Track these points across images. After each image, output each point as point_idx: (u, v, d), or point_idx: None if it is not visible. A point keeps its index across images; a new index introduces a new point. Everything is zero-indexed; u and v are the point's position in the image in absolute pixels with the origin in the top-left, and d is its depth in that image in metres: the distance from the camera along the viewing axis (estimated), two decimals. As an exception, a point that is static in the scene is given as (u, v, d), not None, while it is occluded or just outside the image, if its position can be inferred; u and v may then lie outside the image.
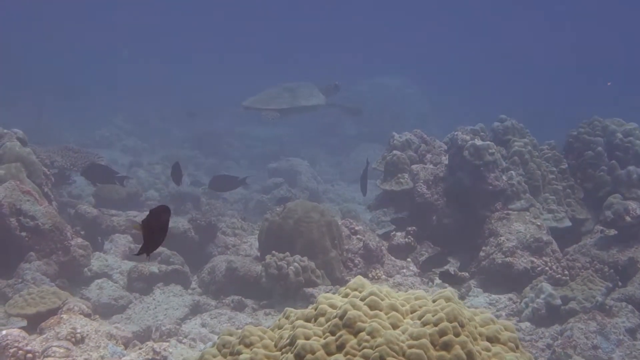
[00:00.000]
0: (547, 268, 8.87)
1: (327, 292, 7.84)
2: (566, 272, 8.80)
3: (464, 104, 31.36)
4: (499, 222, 9.60)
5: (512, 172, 10.07)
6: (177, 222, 9.95)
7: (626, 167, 10.30)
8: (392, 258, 9.34)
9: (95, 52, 41.04)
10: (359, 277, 3.65)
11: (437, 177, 10.32)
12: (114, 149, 22.38)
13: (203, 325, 7.69)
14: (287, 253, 8.26)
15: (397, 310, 3.39)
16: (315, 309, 3.49)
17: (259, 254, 9.26)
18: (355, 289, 3.54)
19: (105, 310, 7.81)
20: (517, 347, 3.45)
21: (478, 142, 9.91)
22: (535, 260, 9.00)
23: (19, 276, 7.63)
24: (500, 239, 9.27)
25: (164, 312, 7.92)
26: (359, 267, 8.94)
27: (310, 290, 8.04)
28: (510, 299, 8.59)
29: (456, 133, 10.29)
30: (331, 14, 57.37)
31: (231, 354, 3.46)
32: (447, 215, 10.09)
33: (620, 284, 8.60)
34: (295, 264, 8.11)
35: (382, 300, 3.41)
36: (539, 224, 9.61)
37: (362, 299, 3.40)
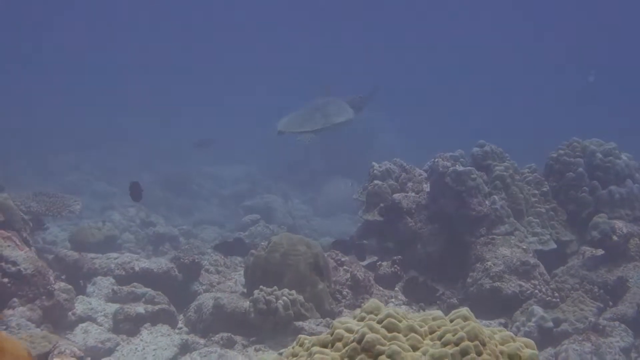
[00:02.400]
0: (536, 291, 8.81)
1: (318, 325, 7.76)
2: (556, 294, 8.75)
3: (435, 133, 31.46)
4: (484, 247, 9.57)
5: (495, 196, 10.05)
6: (160, 262, 9.82)
7: (607, 187, 10.31)
8: (380, 288, 9.26)
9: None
10: (374, 300, 3.55)
11: (419, 205, 10.27)
12: (83, 195, 22.18)
13: (193, 364, 7.55)
14: (275, 287, 8.14)
15: (415, 331, 3.29)
16: (332, 334, 3.38)
17: (244, 290, 9.13)
18: (371, 312, 3.44)
19: (92, 354, 7.63)
20: (539, 364, 3.36)
21: (459, 168, 9.88)
22: (523, 283, 8.95)
23: (2, 323, 7.46)
24: (487, 264, 9.22)
25: (152, 353, 7.75)
26: (347, 298, 8.84)
27: (300, 323, 7.92)
28: (500, 323, 8.51)
29: (436, 160, 10.27)
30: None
31: (247, 385, 3.36)
32: (432, 243, 10.03)
33: (611, 303, 8.57)
34: (284, 297, 7.98)
35: (400, 322, 3.32)
36: (524, 247, 9.58)
37: (379, 322, 3.30)
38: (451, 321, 3.38)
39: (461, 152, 10.84)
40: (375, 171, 10.88)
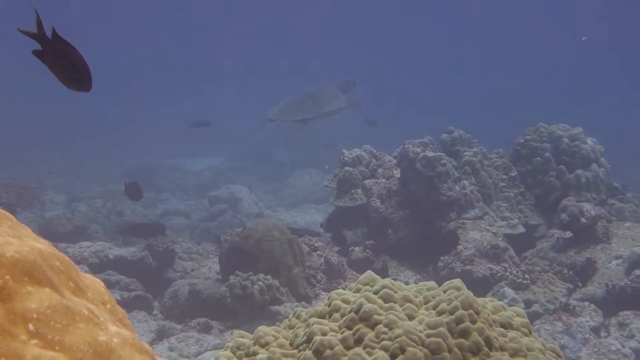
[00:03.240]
0: (507, 273, 8.93)
1: (294, 309, 7.85)
2: (527, 276, 8.87)
3: (396, 122, 31.52)
4: (455, 231, 9.68)
5: (465, 181, 10.17)
6: (133, 250, 9.85)
7: (574, 171, 10.47)
8: (353, 272, 9.34)
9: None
10: (369, 271, 3.63)
11: (390, 191, 10.36)
12: (47, 187, 22.06)
13: (171, 349, 7.58)
14: (251, 272, 8.21)
15: (411, 301, 3.38)
16: (329, 306, 3.46)
17: (219, 277, 9.19)
18: (367, 284, 3.52)
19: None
20: (530, 332, 3.47)
21: (430, 153, 9.99)
22: (494, 266, 9.08)
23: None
24: (457, 248, 9.33)
25: (130, 339, 7.80)
26: (321, 282, 8.93)
27: (276, 308, 7.99)
28: (472, 306, 8.62)
29: (406, 146, 10.36)
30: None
31: (247, 355, 3.42)
32: (403, 228, 10.12)
33: (580, 284, 8.72)
34: (260, 282, 8.06)
35: (396, 292, 3.40)
36: (494, 231, 9.71)
37: (375, 293, 3.38)
38: (444, 292, 3.48)
39: (430, 139, 10.94)
40: (345, 158, 10.94)
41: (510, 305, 7.66)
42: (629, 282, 8.15)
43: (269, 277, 8.21)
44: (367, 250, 9.71)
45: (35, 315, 1.07)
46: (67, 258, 1.29)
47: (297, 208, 21.03)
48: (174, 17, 56.50)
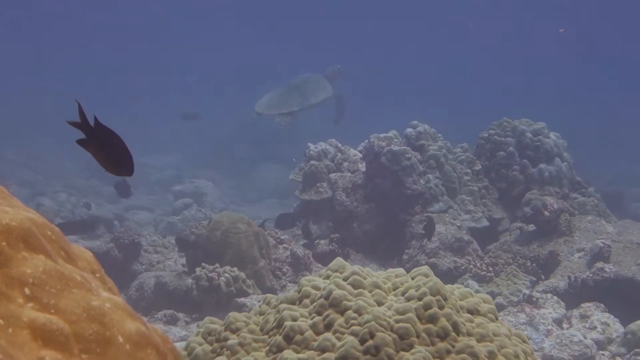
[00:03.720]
0: (470, 266, 9.03)
1: (259, 301, 7.88)
2: (490, 269, 8.97)
3: (359, 117, 31.59)
4: (419, 224, 9.74)
5: (429, 175, 10.24)
6: (98, 244, 9.84)
7: (537, 165, 10.58)
8: (319, 265, 9.38)
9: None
10: (338, 258, 3.67)
11: (355, 185, 10.41)
12: (9, 181, 21.88)
13: (137, 341, 7.59)
14: (217, 265, 8.22)
15: (380, 288, 3.43)
16: (299, 292, 3.50)
17: (185, 269, 9.19)
18: (336, 270, 3.56)
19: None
20: (497, 318, 3.54)
21: (395, 147, 10.05)
22: (458, 259, 9.18)
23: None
24: (422, 241, 9.41)
25: (97, 331, 7.79)
26: (287, 275, 8.96)
27: (242, 300, 8.02)
28: (437, 298, 8.70)
29: (372, 140, 10.41)
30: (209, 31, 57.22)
31: (217, 340, 3.46)
32: (368, 221, 10.17)
33: (543, 277, 8.84)
34: (226, 274, 8.07)
35: (365, 279, 3.45)
36: (458, 224, 9.80)
37: (344, 279, 3.42)
38: (413, 278, 3.53)
39: (395, 133, 10.98)
40: (311, 152, 10.97)
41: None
42: (591, 275, 8.27)
43: (235, 269, 8.23)
44: (333, 243, 9.75)
45: (31, 280, 1.10)
46: (57, 228, 1.33)
47: (261, 203, 21.07)
48: (138, 9, 56.09)
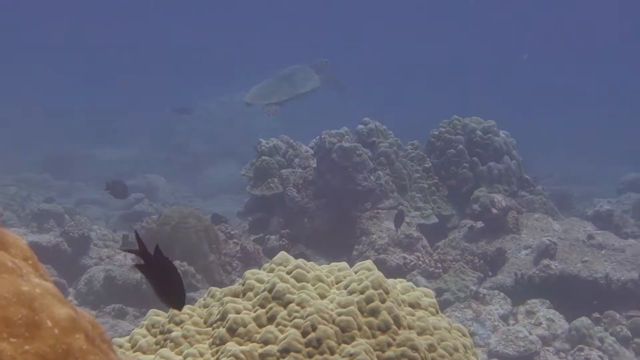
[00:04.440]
0: (419, 262, 9.11)
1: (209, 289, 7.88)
2: (439, 265, 9.06)
3: (313, 114, 31.60)
4: (369, 221, 9.81)
5: (380, 172, 10.30)
6: (48, 236, 9.78)
7: (487, 163, 10.70)
8: (269, 260, 9.37)
9: None
10: (283, 252, 3.70)
11: (306, 181, 10.44)
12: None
13: (85, 335, 7.56)
14: (167, 259, 8.21)
15: (323, 281, 3.46)
16: (243, 285, 3.53)
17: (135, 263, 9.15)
18: (280, 264, 3.59)
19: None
20: (437, 312, 3.59)
21: (346, 144, 10.09)
22: (407, 255, 9.24)
23: None
24: (372, 237, 9.47)
25: (44, 325, 7.74)
26: (237, 270, 8.98)
27: (191, 294, 8.00)
28: (386, 294, 8.75)
29: (323, 136, 10.44)
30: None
31: (161, 332, 3.47)
32: (319, 217, 10.21)
33: (490, 273, 8.94)
34: (176, 269, 8.07)
35: (308, 272, 3.48)
36: (408, 221, 9.84)
37: (288, 272, 3.46)
38: (356, 272, 3.57)
39: (346, 130, 11.02)
40: (262, 147, 10.98)
41: (423, 294, 7.85)
42: (537, 272, 8.39)
43: (184, 263, 8.24)
44: (283, 239, 9.79)
45: (-41, 264, 1.13)
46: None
47: (214, 198, 21.04)
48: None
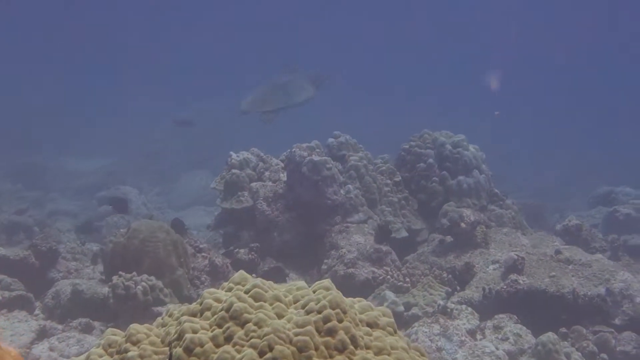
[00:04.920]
0: (388, 276, 9.10)
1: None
2: (407, 280, 9.07)
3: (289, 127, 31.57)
4: (339, 235, 9.81)
5: (350, 186, 10.31)
6: (16, 250, 9.71)
7: (456, 177, 10.75)
8: (238, 274, 9.37)
9: None
10: (241, 271, 3.70)
11: (276, 194, 10.43)
12: None
13: (51, 349, 7.51)
14: (134, 273, 8.17)
15: (280, 300, 3.46)
16: (200, 304, 3.52)
17: (103, 277, 9.12)
18: (239, 283, 3.59)
19: (-53, 341, 7.51)
20: (395, 332, 3.59)
21: (316, 157, 10.10)
22: (376, 270, 9.24)
23: None
24: (341, 251, 9.46)
25: (9, 339, 7.69)
26: (205, 284, 8.93)
27: (159, 309, 7.98)
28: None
29: (294, 150, 10.44)
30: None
31: (118, 352, 3.46)
32: (288, 231, 10.19)
33: (458, 288, 8.96)
34: (143, 283, 8.03)
35: (266, 292, 3.48)
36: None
37: (246, 292, 3.45)
38: (314, 292, 3.57)
39: (317, 143, 11.04)
40: (233, 160, 10.96)
41: (390, 309, 7.85)
42: (505, 286, 8.41)
43: (152, 278, 8.19)
44: (252, 253, 9.77)
45: None
46: None
47: (187, 209, 21.00)
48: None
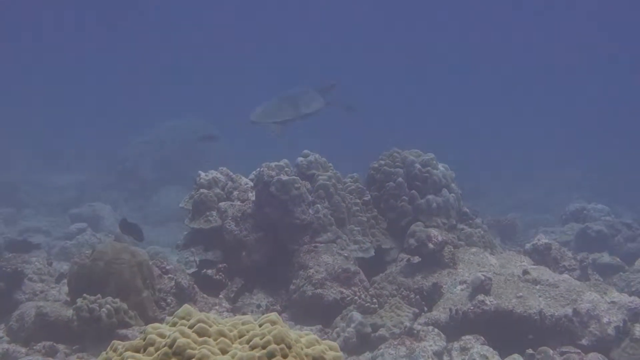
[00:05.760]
0: (356, 297, 9.06)
1: (141, 332, 7.77)
2: (374, 301, 9.03)
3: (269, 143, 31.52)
4: (307, 255, 9.77)
5: (318, 205, 10.28)
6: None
7: (425, 196, 10.74)
8: (205, 295, 9.32)
9: None
10: (186, 305, 3.68)
11: (245, 214, 10.38)
12: None
13: (14, 374, 7.47)
14: (99, 295, 8.11)
15: (225, 335, 3.44)
16: (144, 339, 3.49)
17: (68, 299, 9.05)
18: (183, 317, 3.56)
19: None
20: (343, 366, 3.57)
21: (284, 177, 10.07)
22: (344, 290, 9.21)
23: None
24: (309, 272, 9.42)
25: (-29, 364, 7.63)
26: (171, 305, 8.88)
27: (123, 331, 7.93)
28: (322, 329, 8.73)
29: (262, 169, 10.41)
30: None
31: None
32: (257, 250, 10.14)
33: (425, 309, 8.95)
34: (108, 305, 7.98)
35: (210, 326, 3.45)
36: (346, 255, 9.84)
37: (190, 327, 3.43)
38: (260, 325, 3.54)
39: (286, 162, 11.01)
40: (201, 180, 10.92)
41: (358, 330, 7.84)
42: (472, 307, 8.40)
43: (117, 300, 8.14)
44: (220, 273, 9.74)
45: None
46: None
47: (162, 227, 20.90)
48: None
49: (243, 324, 3.57)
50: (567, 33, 53.78)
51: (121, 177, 27.49)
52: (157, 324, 3.60)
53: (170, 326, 3.56)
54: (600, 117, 46.29)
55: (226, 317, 7.99)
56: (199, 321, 3.45)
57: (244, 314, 9.08)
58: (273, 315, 3.59)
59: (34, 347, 8.06)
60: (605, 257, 12.42)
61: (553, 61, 53.93)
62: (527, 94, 52.98)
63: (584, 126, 43.68)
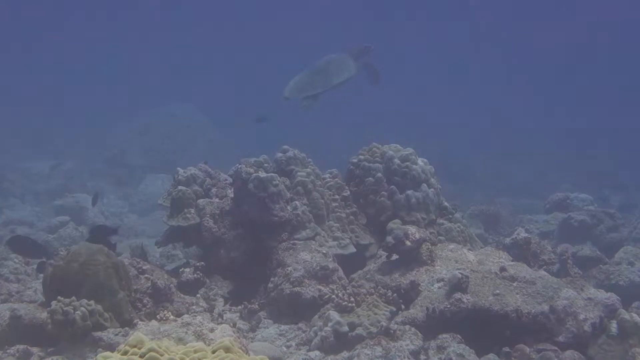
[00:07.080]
0: (333, 296, 9.02)
1: (116, 335, 7.75)
2: (352, 299, 8.98)
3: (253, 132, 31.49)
4: (285, 252, 9.75)
5: (297, 202, 10.25)
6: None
7: (405, 191, 10.70)
8: (182, 295, 9.27)
9: None
10: (138, 333, 3.64)
11: (223, 211, 10.36)
12: None
13: (-14, 378, 7.43)
14: (74, 298, 8.05)
15: (176, 365, 3.41)
16: (95, 370, 3.47)
17: (44, 300, 9.00)
18: (134, 346, 3.53)
19: None
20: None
21: (262, 174, 10.03)
22: (322, 288, 9.17)
23: None
24: (287, 269, 9.40)
25: (-57, 369, 7.59)
26: (147, 306, 8.82)
27: (99, 334, 7.87)
28: (299, 328, 8.71)
29: (240, 166, 10.38)
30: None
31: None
32: (235, 248, 10.12)
33: (403, 307, 8.91)
34: (83, 308, 7.92)
35: (161, 355, 3.43)
36: (324, 252, 9.81)
37: (141, 356, 3.40)
38: (213, 352, 3.51)
39: (265, 157, 10.99)
40: (180, 177, 10.88)
41: (335, 329, 7.82)
42: (449, 306, 8.38)
43: (92, 302, 8.08)
44: (198, 272, 9.71)
45: None
46: None
47: (149, 216, 20.85)
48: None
49: (195, 351, 3.54)
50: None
51: (108, 164, 27.44)
52: (107, 353, 3.56)
53: (121, 355, 3.52)
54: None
55: (200, 320, 7.96)
56: (150, 350, 3.42)
57: (220, 314, 9.07)
58: (227, 341, 3.56)
59: (7, 351, 8.01)
60: (586, 250, 12.41)
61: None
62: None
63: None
